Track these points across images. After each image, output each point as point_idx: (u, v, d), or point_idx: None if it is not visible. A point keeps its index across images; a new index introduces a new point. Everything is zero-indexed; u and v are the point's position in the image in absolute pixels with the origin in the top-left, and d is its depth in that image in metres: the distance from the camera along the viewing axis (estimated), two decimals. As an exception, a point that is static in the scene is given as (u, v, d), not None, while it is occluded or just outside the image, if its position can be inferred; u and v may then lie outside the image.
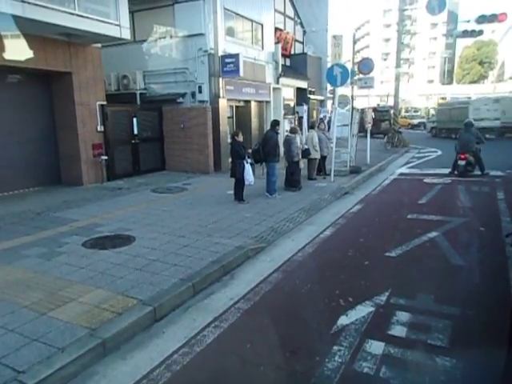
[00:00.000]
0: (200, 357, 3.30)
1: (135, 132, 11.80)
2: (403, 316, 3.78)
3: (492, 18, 17.34)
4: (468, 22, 18.77)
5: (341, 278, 4.80)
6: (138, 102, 12.87)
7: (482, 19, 17.30)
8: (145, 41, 12.85)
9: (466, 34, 19.28)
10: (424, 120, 37.09)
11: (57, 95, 10.18)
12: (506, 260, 5.16)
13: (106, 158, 10.66)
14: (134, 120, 11.73)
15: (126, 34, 9.67)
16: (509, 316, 3.46)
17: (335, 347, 3.32)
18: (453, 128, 22.37)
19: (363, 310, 3.90)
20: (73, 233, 6.33)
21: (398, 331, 3.54)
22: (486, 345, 3.32)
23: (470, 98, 32.81)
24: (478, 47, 63.79)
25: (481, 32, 18.72)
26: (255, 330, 3.74)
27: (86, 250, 5.55)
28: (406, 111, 42.77)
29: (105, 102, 10.76)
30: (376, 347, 3.30)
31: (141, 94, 12.96)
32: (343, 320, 3.74)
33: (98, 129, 10.60)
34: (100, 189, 10.04)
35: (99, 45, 10.42)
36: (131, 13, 10.66)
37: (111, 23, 9.19)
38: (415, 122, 36.32)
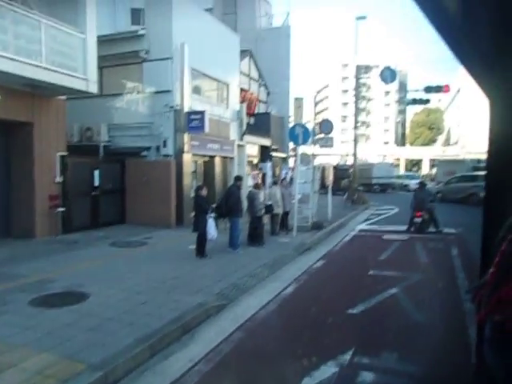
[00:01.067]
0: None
1: (96, 184, 11.55)
2: (367, 376, 3.70)
3: (438, 89, 19.13)
4: (417, 91, 20.55)
5: (304, 336, 4.67)
6: (102, 153, 12.73)
7: (430, 89, 19.02)
8: (112, 95, 13.00)
9: (416, 101, 21.05)
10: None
11: (14, 144, 9.89)
12: (464, 316, 5.25)
13: (62, 209, 10.26)
14: (96, 172, 11.53)
15: (93, 88, 9.78)
16: (467, 373, 3.46)
17: (299, 412, 3.16)
18: (363, 183, 26.51)
19: (327, 371, 3.78)
20: (19, 289, 5.87)
21: (363, 393, 3.44)
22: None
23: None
24: (426, 114, 69.49)
25: (428, 101, 20.54)
26: (215, 396, 3.51)
27: (33, 308, 5.14)
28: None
29: (65, 153, 10.57)
30: (341, 411, 3.17)
31: (104, 146, 12.87)
32: (307, 381, 3.60)
33: (57, 180, 10.29)
34: (54, 242, 9.54)
35: (64, 97, 10.43)
36: (100, 68, 10.85)
37: (78, 77, 9.29)
38: (373, 181, 38.23)
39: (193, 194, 9.95)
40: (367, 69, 24.15)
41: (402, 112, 78.25)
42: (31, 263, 7.46)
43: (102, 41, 10.94)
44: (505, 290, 0.71)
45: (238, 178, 9.47)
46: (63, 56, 9.06)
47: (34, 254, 8.17)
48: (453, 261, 8.47)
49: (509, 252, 0.73)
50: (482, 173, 23.82)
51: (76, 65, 9.31)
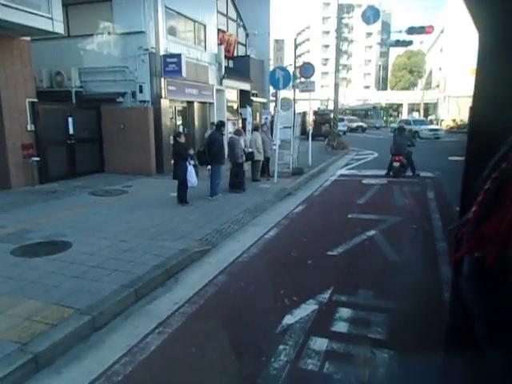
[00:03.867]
0: (143, 365, 3.17)
1: (71, 132, 11.15)
2: (345, 312, 3.91)
3: (420, 30, 18.66)
4: (400, 32, 20.02)
5: (285, 277, 4.86)
6: (74, 100, 12.17)
7: (412, 30, 18.53)
8: (81, 36, 12.20)
9: (398, 43, 20.60)
10: (362, 124, 39.12)
11: (-20, 91, 9.35)
12: (437, 255, 5.52)
13: (37, 159, 9.95)
14: (70, 119, 11.09)
15: (59, 28, 9.13)
16: (439, 308, 3.70)
17: (281, 346, 3.35)
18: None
19: (307, 309, 3.98)
20: (0, 240, 5.83)
21: (341, 327, 3.66)
22: (420, 335, 3.52)
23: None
24: (408, 56, 68.30)
25: (410, 42, 20.10)
26: (201, 334, 3.67)
27: (16, 258, 5.14)
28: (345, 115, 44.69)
29: (35, 100, 10.06)
30: (320, 344, 3.38)
31: (77, 92, 12.26)
32: (288, 319, 3.79)
33: (29, 128, 9.87)
34: (31, 192, 9.36)
35: (29, 38, 9.73)
36: (65, 6, 10.05)
37: (42, 15, 8.62)
38: (354, 125, 37.96)
39: (172, 142, 9.76)
40: (350, 8, 23.23)
41: (385, 54, 76.76)
42: (9, 214, 7.34)
43: (66, -25, 10.07)
44: (487, 227, 0.72)
45: (221, 124, 9.28)
46: (24, -8, 8.33)
47: (12, 205, 8.02)
48: (428, 203, 8.76)
49: (492, 190, 0.74)
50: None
51: (39, 2, 8.59)
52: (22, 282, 4.37)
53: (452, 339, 1.23)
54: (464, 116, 35.85)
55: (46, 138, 10.33)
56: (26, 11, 8.19)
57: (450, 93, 42.95)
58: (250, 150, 10.46)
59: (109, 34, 12.07)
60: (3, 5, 7.69)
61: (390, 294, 4.36)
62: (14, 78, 9.44)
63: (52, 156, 10.60)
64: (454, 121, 36.20)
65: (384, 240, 6.18)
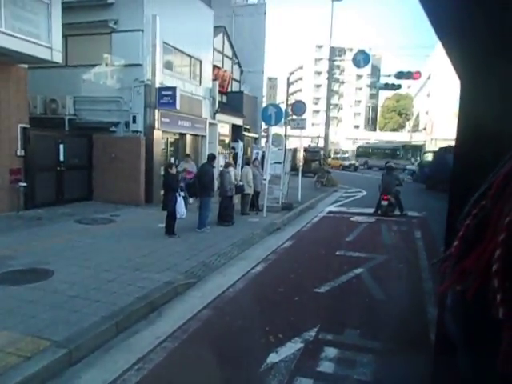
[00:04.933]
0: (119, 404, 3.02)
1: (61, 159, 11.12)
2: (331, 352, 3.82)
3: (408, 75, 19.43)
4: (389, 76, 20.82)
5: (271, 314, 4.77)
6: (67, 127, 12.24)
7: (401, 75, 19.29)
8: (78, 66, 12.42)
9: (387, 86, 21.40)
10: (355, 162, 39.54)
11: (-28, 115, 9.36)
12: (423, 295, 5.50)
13: (24, 184, 9.83)
14: (61, 146, 11.09)
15: (58, 58, 9.31)
16: (425, 348, 3.64)
17: (264, 387, 3.24)
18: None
19: (293, 347, 3.88)
20: (-21, 266, 5.66)
21: (326, 367, 3.56)
22: (407, 377, 3.44)
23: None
24: (396, 99, 70.77)
25: (399, 86, 20.89)
26: (181, 371, 3.54)
27: (-6, 285, 4.97)
28: (336, 153, 45.51)
29: (28, 125, 10.08)
30: (305, 385, 3.27)
31: (70, 119, 12.35)
32: (273, 357, 3.68)
33: (18, 153, 9.83)
34: (15, 218, 9.18)
35: (26, 65, 9.87)
36: (65, 37, 10.30)
37: (41, 45, 8.80)
38: (346, 163, 38.56)
39: (163, 172, 9.78)
40: (341, 51, 24.20)
41: (374, 96, 79.34)
42: (-9, 239, 7.17)
43: (68, 7, 10.39)
44: (468, 261, 0.76)
45: (212, 157, 9.37)
46: (25, 22, 8.52)
47: (-6, 230, 7.85)
48: (415, 242, 8.81)
49: (472, 225, 0.78)
50: None
51: (39, 32, 8.80)
52: (-2, 310, 4.21)
53: (438, 379, 1.23)
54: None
55: (35, 164, 10.27)
56: (25, 40, 8.36)
57: (437, 135, 44.24)
58: (241, 183, 10.51)
59: (106, 65, 12.31)
60: (4, 33, 7.85)
61: (376, 334, 4.29)
62: (7, 103, 9.48)
63: (40, 182, 10.49)
64: None
65: (371, 278, 6.15)
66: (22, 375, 3.09)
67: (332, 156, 39.67)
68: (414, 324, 4.62)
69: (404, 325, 4.60)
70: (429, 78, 49.71)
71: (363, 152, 43.32)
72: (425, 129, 52.86)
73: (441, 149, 11.63)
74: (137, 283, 5.23)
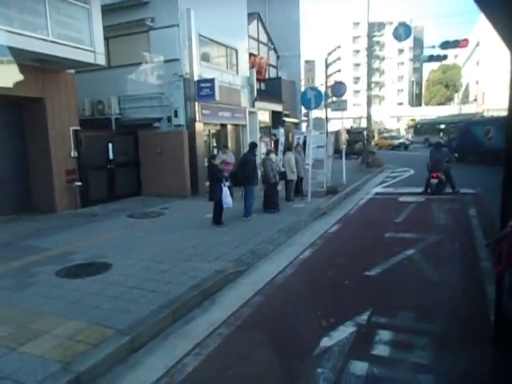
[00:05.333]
0: (181, 387, 3.18)
1: (110, 157, 11.65)
2: (385, 335, 3.78)
3: (455, 44, 18.28)
4: (433, 47, 19.70)
5: (322, 298, 4.77)
6: (114, 126, 12.76)
7: (446, 45, 18.19)
8: (120, 66, 12.86)
9: (432, 58, 20.21)
10: (405, 141, 37.18)
11: (28, 121, 9.98)
12: (481, 275, 5.26)
13: (80, 183, 10.43)
14: (110, 145, 11.61)
15: (101, 60, 9.68)
16: (486, 329, 3.50)
17: (319, 370, 3.27)
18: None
19: (345, 331, 3.88)
20: (45, 262, 6.09)
21: (381, 350, 3.53)
22: (466, 359, 3.34)
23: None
24: (443, 71, 67.00)
25: (445, 57, 19.67)
26: (237, 356, 3.65)
27: (59, 279, 5.35)
28: (380, 132, 43.91)
29: (78, 128, 10.62)
30: (360, 368, 3.27)
31: (116, 118, 12.87)
32: (326, 342, 3.70)
33: (72, 154, 10.41)
34: (74, 215, 9.78)
35: (73, 70, 10.37)
36: (106, 39, 10.68)
37: (85, 49, 9.19)
38: (396, 142, 36.38)
39: (206, 164, 9.96)
40: (380, 26, 23.25)
41: (418, 70, 75.70)
42: (54, 236, 7.69)
43: (106, 10, 10.72)
44: None
45: (254, 145, 9.41)
46: (69, 28, 8.93)
47: (56, 228, 8.40)
48: (470, 221, 8.40)
49: None
50: None
51: (82, 37, 9.19)
52: (65, 302, 4.53)
53: (498, 360, 1.19)
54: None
55: (87, 164, 10.84)
56: (71, 46, 8.76)
57: (489, 106, 41.55)
58: (283, 169, 10.50)
59: (146, 62, 12.65)
60: (51, 41, 8.27)
61: (432, 316, 4.17)
62: (59, 108, 10.04)
63: (93, 180, 11.08)
64: None
65: (424, 259, 5.97)
66: (91, 362, 3.32)
67: (379, 136, 38.13)
68: (472, 305, 4.45)
69: (461, 306, 4.45)
70: (477, 44, 46.57)
71: (423, 128, 40.07)
72: (475, 100, 49.79)
73: (465, 122, 11.77)
74: (189, 273, 5.41)
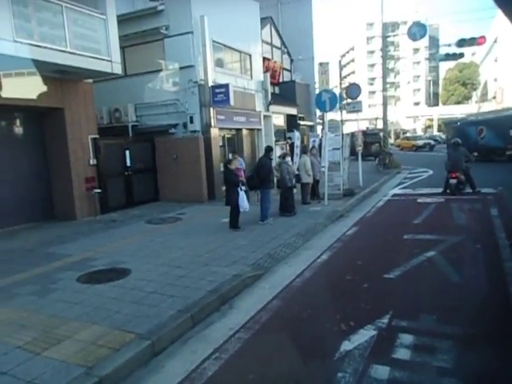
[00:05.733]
0: (201, 391, 3.19)
1: (128, 164, 11.84)
2: (406, 338, 3.72)
3: (471, 42, 17.96)
4: (449, 45, 19.39)
5: (341, 302, 4.73)
6: (131, 134, 12.97)
7: (463, 43, 17.90)
8: (136, 74, 13.08)
9: (448, 57, 19.91)
10: (430, 141, 34.72)
11: (49, 131, 10.24)
12: (504, 276, 5.14)
13: (99, 191, 10.63)
14: (127, 152, 11.79)
15: (118, 69, 9.87)
16: (511, 332, 3.42)
17: (340, 374, 3.24)
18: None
19: (366, 334, 3.83)
20: (66, 268, 6.22)
21: (402, 354, 3.47)
22: (490, 363, 3.26)
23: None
24: (460, 69, 65.83)
25: (462, 55, 19.35)
26: (257, 360, 3.65)
27: (81, 285, 5.45)
28: (397, 134, 43.19)
29: (97, 136, 10.84)
30: (381, 372, 3.22)
31: (133, 126, 13.08)
32: (346, 345, 3.67)
33: (91, 162, 10.62)
34: (94, 222, 9.95)
35: (91, 80, 10.59)
36: (122, 48, 10.88)
37: (102, 59, 9.38)
38: (420, 143, 34.32)
39: (222, 169, 10.02)
40: (394, 26, 23.02)
41: (434, 69, 74.60)
42: (74, 243, 7.84)
43: (122, 20, 10.95)
44: None
45: (269, 149, 9.42)
46: (86, 39, 9.14)
47: (77, 235, 8.57)
48: (492, 221, 8.21)
49: None
50: None
51: (99, 47, 9.39)
52: (86, 307, 4.61)
53: None
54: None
55: (106, 171, 11.04)
56: (88, 56, 8.97)
57: (510, 103, 40.63)
58: (297, 172, 10.48)
59: (161, 70, 12.85)
60: (69, 52, 8.48)
61: (455, 319, 4.09)
62: (78, 117, 10.27)
63: (111, 187, 11.27)
64: None
65: (445, 261, 5.86)
66: (113, 366, 3.37)
67: (401, 136, 37.18)
68: (496, 307, 4.35)
69: (485, 308, 4.35)
70: (495, 41, 45.69)
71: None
72: (494, 97, 48.74)
73: (460, 121, 12.12)
74: (207, 277, 5.44)
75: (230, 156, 13.46)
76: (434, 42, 57.25)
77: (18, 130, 9.92)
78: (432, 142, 34.50)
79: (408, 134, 40.33)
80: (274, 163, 11.03)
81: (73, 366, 3.37)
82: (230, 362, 3.57)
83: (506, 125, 18.68)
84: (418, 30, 17.94)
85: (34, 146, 10.15)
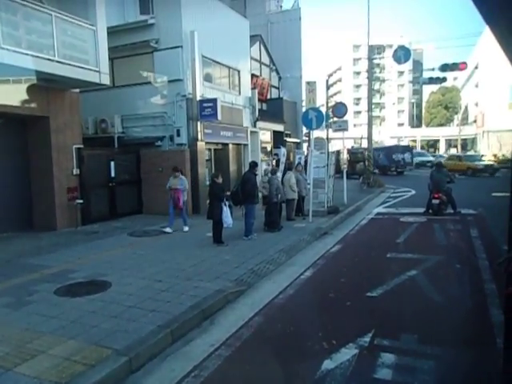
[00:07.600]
0: (179, 410, 3.10)
1: (112, 175, 11.70)
2: (388, 358, 3.71)
3: (454, 67, 18.58)
4: (433, 70, 20.02)
5: (323, 319, 4.70)
6: (116, 145, 12.85)
7: (445, 67, 18.49)
8: (124, 86, 13.05)
9: (432, 80, 20.60)
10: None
11: (32, 139, 10.06)
12: (485, 297, 5.19)
13: (81, 201, 10.43)
14: (112, 163, 11.66)
15: (106, 80, 9.83)
16: (491, 353, 3.44)
17: (321, 394, 3.20)
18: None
19: (347, 353, 3.81)
20: (44, 280, 6.04)
21: (384, 374, 3.46)
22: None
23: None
24: (442, 93, 67.88)
25: (444, 79, 20.00)
26: (237, 379, 3.57)
27: (58, 297, 5.29)
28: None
29: (81, 146, 10.70)
30: (362, 392, 3.20)
31: (119, 137, 12.97)
32: (328, 364, 3.63)
33: (74, 172, 10.45)
34: (74, 233, 9.74)
35: (78, 90, 10.51)
36: (111, 59, 10.87)
37: (91, 69, 9.35)
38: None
39: (208, 182, 9.99)
40: (380, 49, 23.64)
41: (418, 92, 76.66)
42: (54, 254, 7.64)
43: (112, 32, 10.94)
44: None
45: (254, 164, 9.44)
46: (75, 49, 9.11)
47: (56, 246, 8.36)
48: (473, 242, 8.35)
49: None
50: None
51: (88, 57, 9.36)
52: (63, 321, 4.47)
53: None
54: (506, 151, 34.63)
55: (89, 182, 10.87)
56: (76, 66, 8.92)
57: (489, 127, 41.90)
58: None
59: (149, 83, 12.85)
60: (57, 61, 8.42)
61: (436, 339, 4.10)
62: (63, 127, 10.14)
63: (94, 198, 11.09)
64: (495, 156, 34.68)
65: (427, 280, 5.91)
66: (88, 383, 3.25)
67: (452, 155, 32.86)
68: (477, 327, 4.38)
69: (466, 329, 4.38)
70: (476, 67, 47.29)
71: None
72: (475, 121, 50.19)
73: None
74: (189, 292, 5.36)
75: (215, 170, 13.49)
76: (418, 66, 58.96)
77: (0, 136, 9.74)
78: (496, 165, 26.15)
79: (460, 153, 33.59)
80: (258, 179, 11.07)
81: (46, 382, 3.24)
82: (210, 380, 3.49)
83: (391, 152, 29.72)
84: (403, 54, 18.46)
85: (15, 155, 9.93)
